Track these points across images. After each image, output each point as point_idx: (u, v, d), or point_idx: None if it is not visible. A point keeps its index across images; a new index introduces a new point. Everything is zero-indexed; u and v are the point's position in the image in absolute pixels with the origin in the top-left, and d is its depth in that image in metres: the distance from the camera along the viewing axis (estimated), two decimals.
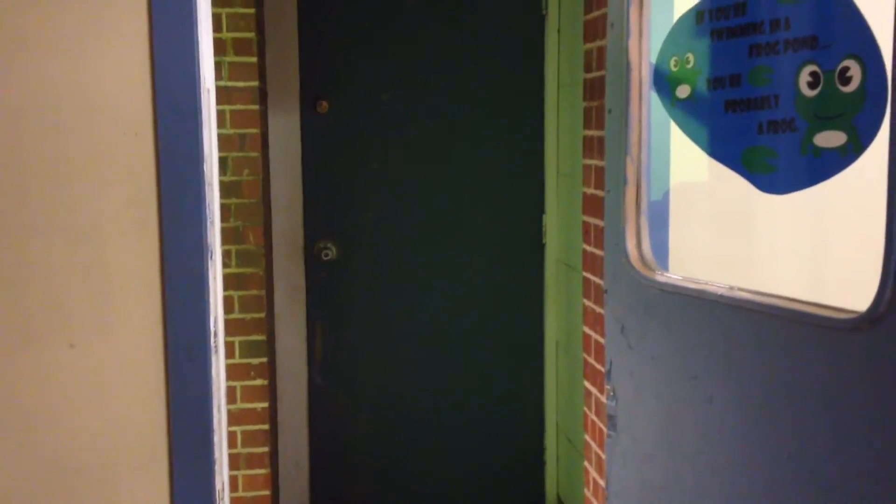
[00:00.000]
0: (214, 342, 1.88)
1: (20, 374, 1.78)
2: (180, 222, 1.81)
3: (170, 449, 1.84)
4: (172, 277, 1.81)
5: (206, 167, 1.83)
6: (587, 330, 3.31)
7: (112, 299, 1.80)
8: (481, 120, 3.81)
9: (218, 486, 1.90)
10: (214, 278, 1.88)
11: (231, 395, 3.32)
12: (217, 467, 1.90)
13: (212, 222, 1.88)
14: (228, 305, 3.30)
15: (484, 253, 3.86)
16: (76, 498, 1.82)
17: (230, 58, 3.20)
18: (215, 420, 1.89)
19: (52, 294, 1.78)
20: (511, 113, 3.82)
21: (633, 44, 1.98)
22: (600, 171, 3.00)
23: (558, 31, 3.76)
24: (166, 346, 1.82)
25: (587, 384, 3.35)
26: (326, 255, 3.64)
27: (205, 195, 1.83)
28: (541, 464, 4.01)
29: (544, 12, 3.77)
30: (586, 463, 3.43)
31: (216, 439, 1.90)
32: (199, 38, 1.81)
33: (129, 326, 1.81)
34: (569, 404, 3.78)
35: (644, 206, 2.00)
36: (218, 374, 1.91)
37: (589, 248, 3.22)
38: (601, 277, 2.90)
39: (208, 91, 1.88)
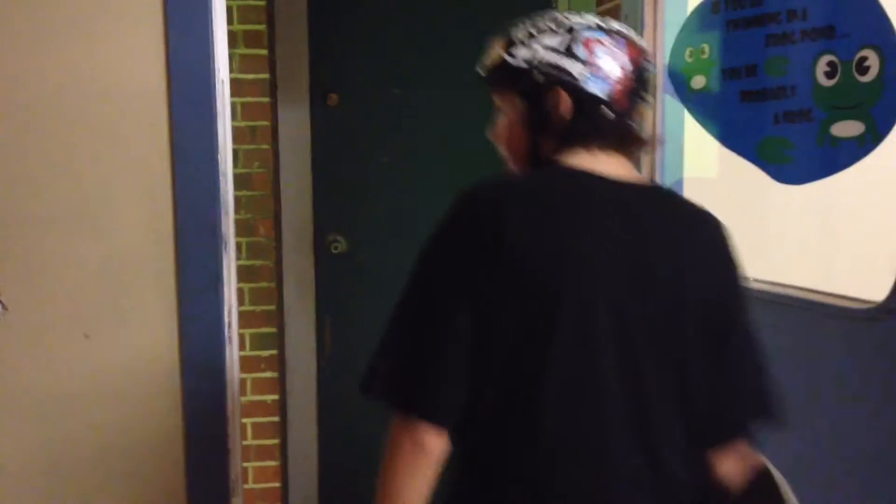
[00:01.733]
0: (228, 333, 1.88)
1: (36, 365, 1.79)
2: (195, 213, 1.81)
3: (185, 439, 1.84)
4: (187, 268, 1.81)
5: (220, 158, 1.84)
6: None
7: (127, 290, 1.81)
8: (492, 113, 3.80)
9: (232, 476, 1.90)
10: (228, 269, 1.89)
11: (241, 388, 3.32)
12: (231, 458, 1.90)
13: (226, 213, 1.88)
14: (239, 298, 3.30)
15: None
16: (92, 487, 1.83)
17: (241, 50, 3.20)
18: (229, 410, 1.89)
19: (67, 285, 1.78)
20: None
21: (647, 35, 1.98)
22: None
23: None
24: (181, 336, 1.82)
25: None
26: (336, 247, 3.64)
27: (219, 186, 1.83)
28: None
29: (554, 5, 3.76)
30: None
31: (230, 430, 1.90)
32: (214, 29, 1.81)
33: (143, 317, 1.82)
34: None
35: None
36: (231, 365, 1.91)
37: None
38: None
39: (222, 82, 1.88)
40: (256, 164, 3.30)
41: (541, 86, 1.37)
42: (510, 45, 1.43)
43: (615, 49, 1.35)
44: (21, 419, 1.80)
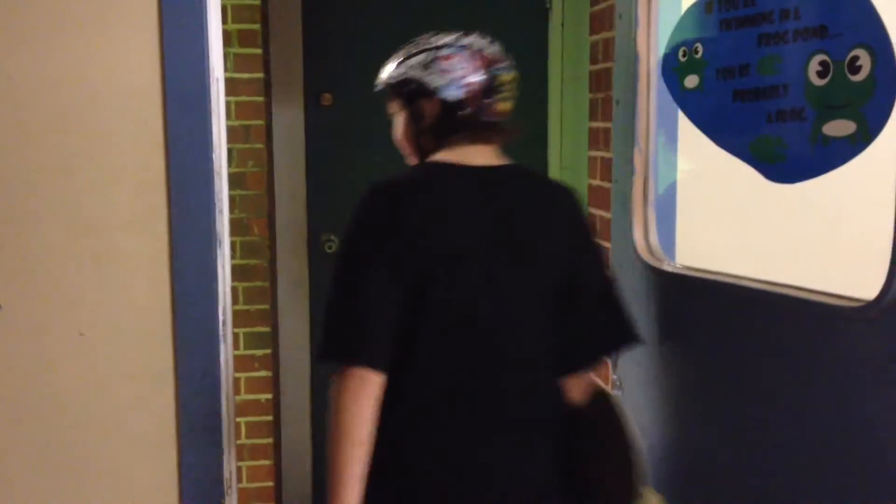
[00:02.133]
0: (223, 332, 1.88)
1: (31, 363, 1.79)
2: (189, 211, 1.81)
3: (178, 438, 1.84)
4: (181, 266, 1.81)
5: (214, 156, 1.84)
6: None
7: (121, 288, 1.81)
8: None
9: (226, 475, 1.90)
10: (223, 267, 1.89)
11: (235, 387, 3.32)
12: (225, 456, 1.90)
13: (220, 211, 1.88)
14: (233, 297, 3.30)
15: None
16: (86, 485, 1.83)
17: (235, 49, 3.20)
18: (223, 409, 1.89)
19: (62, 283, 1.78)
20: (515, 106, 3.82)
21: (641, 34, 1.98)
22: (606, 163, 3.00)
23: (562, 24, 3.76)
24: (175, 335, 1.82)
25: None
26: (330, 247, 3.64)
27: (213, 184, 1.83)
28: None
29: (548, 6, 3.77)
30: None
31: (224, 429, 1.90)
32: (208, 28, 1.81)
33: (138, 315, 1.82)
34: None
35: (651, 196, 2.01)
36: (226, 364, 1.91)
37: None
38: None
39: (217, 80, 1.89)
40: (250, 163, 3.30)
41: (412, 97, 1.78)
42: (392, 65, 1.86)
43: (467, 60, 1.74)
44: (15, 417, 1.80)
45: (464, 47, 1.76)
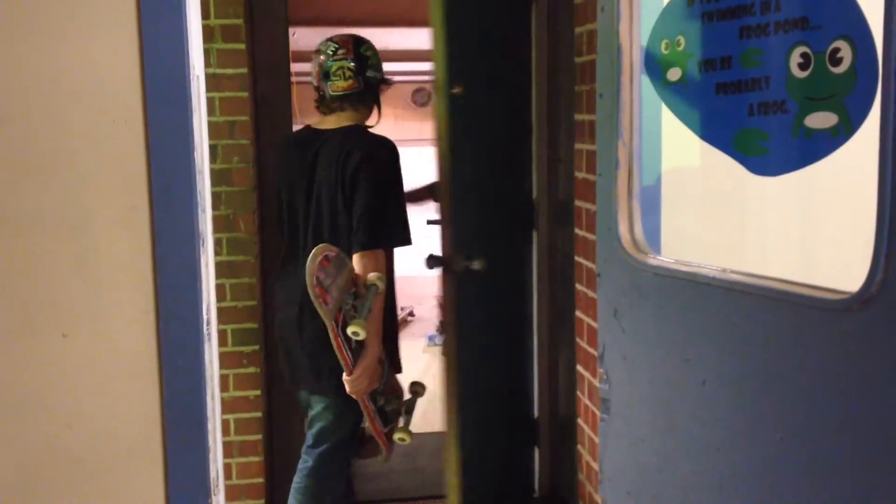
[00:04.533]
0: (207, 330, 1.88)
1: (14, 365, 1.78)
2: (171, 210, 1.80)
3: (164, 437, 1.84)
4: (164, 266, 1.80)
5: (196, 154, 1.83)
6: (579, 314, 3.32)
7: (104, 288, 1.80)
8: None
9: (212, 474, 1.90)
10: (206, 266, 1.88)
11: (224, 384, 3.31)
12: (211, 455, 1.90)
13: (203, 210, 1.87)
14: (220, 293, 3.29)
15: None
16: (71, 486, 1.82)
17: (218, 45, 3.18)
18: (209, 408, 1.89)
19: (44, 284, 1.77)
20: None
21: (623, 27, 1.97)
22: (591, 156, 3.00)
23: (547, 16, 3.75)
24: (159, 334, 1.82)
25: (580, 368, 3.36)
26: None
27: (195, 183, 1.82)
28: (533, 448, 4.02)
29: None
30: (580, 447, 3.44)
31: (210, 427, 1.90)
32: (188, 25, 1.80)
33: (121, 315, 1.81)
34: (561, 389, 3.78)
35: (636, 189, 2.00)
36: (211, 362, 1.90)
37: (581, 233, 3.23)
38: (593, 262, 2.89)
39: (197, 78, 1.87)
40: (236, 159, 3.29)
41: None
42: None
43: (318, 58, 2.90)
44: None
45: (318, 52, 2.90)
